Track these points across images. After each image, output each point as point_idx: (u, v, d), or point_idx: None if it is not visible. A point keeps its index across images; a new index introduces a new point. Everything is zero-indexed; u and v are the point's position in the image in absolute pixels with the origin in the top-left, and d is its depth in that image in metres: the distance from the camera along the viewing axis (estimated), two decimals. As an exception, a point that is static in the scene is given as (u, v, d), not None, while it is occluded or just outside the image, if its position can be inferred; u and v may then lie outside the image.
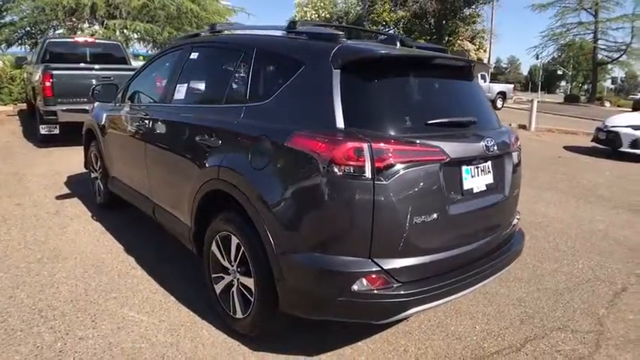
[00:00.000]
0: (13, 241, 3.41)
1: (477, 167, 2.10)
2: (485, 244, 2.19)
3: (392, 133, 1.84)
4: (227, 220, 2.24)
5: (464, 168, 2.02)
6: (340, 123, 1.80)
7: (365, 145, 1.72)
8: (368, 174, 1.72)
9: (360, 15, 30.62)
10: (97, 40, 8.48)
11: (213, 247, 2.37)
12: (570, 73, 49.87)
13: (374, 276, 1.77)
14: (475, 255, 2.13)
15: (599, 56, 30.96)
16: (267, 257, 1.99)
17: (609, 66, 34.42)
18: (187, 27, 13.25)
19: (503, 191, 2.29)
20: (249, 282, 2.13)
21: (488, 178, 2.17)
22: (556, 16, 30.51)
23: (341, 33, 2.06)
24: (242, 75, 2.31)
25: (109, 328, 2.33)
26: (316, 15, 31.57)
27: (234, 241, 2.18)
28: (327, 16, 31.32)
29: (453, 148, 1.93)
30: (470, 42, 29.16)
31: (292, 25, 2.29)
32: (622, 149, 8.45)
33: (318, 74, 1.92)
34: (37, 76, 6.65)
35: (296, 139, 1.85)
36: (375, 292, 1.78)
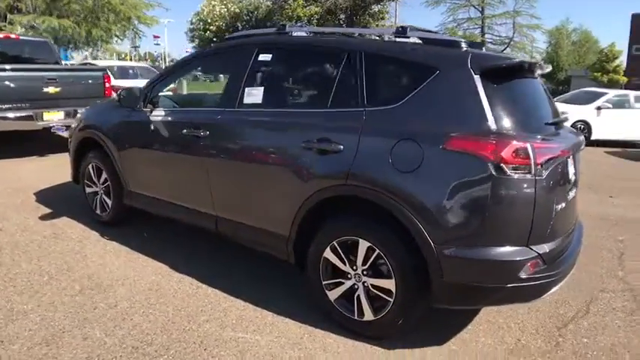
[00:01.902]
0: (32, 273, 2.90)
1: (570, 159, 2.39)
2: (574, 230, 2.49)
3: (528, 132, 2.02)
4: (353, 225, 2.23)
5: (568, 160, 2.29)
6: (493, 125, 1.92)
7: (528, 145, 1.88)
8: (531, 171, 1.87)
9: (270, 10, 30.35)
10: (20, 37, 7.28)
11: (327, 254, 2.32)
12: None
13: (533, 261, 1.95)
14: (570, 239, 2.42)
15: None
16: (413, 257, 2.05)
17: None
18: (105, 23, 11.99)
19: (578, 181, 2.62)
20: (387, 283, 2.14)
21: (573, 169, 2.47)
22: (448, 12, 33.23)
23: (462, 40, 2.18)
24: (350, 78, 2.28)
25: (232, 355, 2.15)
26: (225, 9, 30.60)
27: (364, 244, 2.17)
28: (237, 10, 30.53)
29: (568, 143, 2.19)
30: (379, 38, 30.78)
31: (402, 30, 2.33)
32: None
33: (459, 79, 2.01)
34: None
35: (454, 141, 1.92)
36: (533, 275, 1.95)
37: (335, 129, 2.25)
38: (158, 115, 3.10)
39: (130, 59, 40.22)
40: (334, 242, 2.29)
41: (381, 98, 2.22)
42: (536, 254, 1.95)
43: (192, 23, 32.80)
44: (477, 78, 1.98)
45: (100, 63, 10.15)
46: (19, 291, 2.67)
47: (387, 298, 2.17)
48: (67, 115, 6.14)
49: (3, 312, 2.44)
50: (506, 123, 1.96)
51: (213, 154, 2.71)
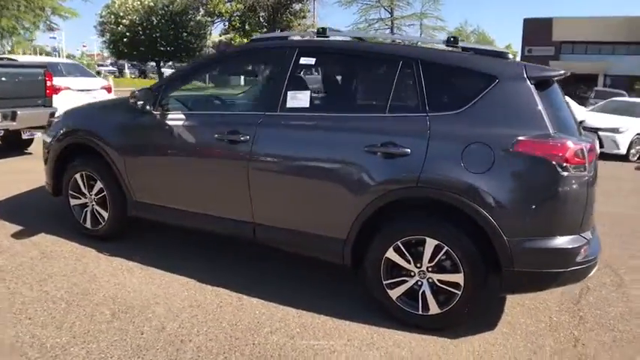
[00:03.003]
0: (42, 300, 2.54)
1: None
2: None
3: (573, 135, 2.30)
4: (419, 225, 2.33)
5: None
6: (552, 129, 2.17)
7: (584, 146, 2.15)
8: (587, 168, 2.16)
9: (186, 5, 29.01)
10: None
11: (390, 254, 2.39)
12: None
13: (585, 247, 2.23)
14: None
15: (397, 50, 36.61)
16: (483, 251, 2.22)
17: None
18: (15, 12, 10.55)
19: None
20: (456, 277, 2.28)
21: None
22: (360, 12, 34.09)
23: (507, 51, 2.40)
24: (408, 85, 2.38)
25: (314, 362, 2.15)
26: (139, 2, 28.62)
27: (431, 242, 2.29)
28: (151, 4, 28.72)
29: (594, 144, 2.52)
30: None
31: (454, 40, 2.48)
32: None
33: (519, 88, 2.22)
34: None
35: (522, 144, 2.12)
36: (584, 259, 2.24)
37: (399, 133, 2.32)
38: (178, 118, 2.89)
39: (23, 53, 35.71)
40: (398, 242, 2.37)
41: (443, 104, 2.35)
42: (586, 240, 2.25)
43: (101, 16, 30.05)
44: (532, 87, 2.22)
45: (20, 58, 8.93)
46: (39, 323, 2.34)
47: (454, 291, 2.32)
48: (4, 117, 5.37)
49: (35, 349, 2.13)
50: (560, 127, 2.22)
51: (255, 159, 2.61)
